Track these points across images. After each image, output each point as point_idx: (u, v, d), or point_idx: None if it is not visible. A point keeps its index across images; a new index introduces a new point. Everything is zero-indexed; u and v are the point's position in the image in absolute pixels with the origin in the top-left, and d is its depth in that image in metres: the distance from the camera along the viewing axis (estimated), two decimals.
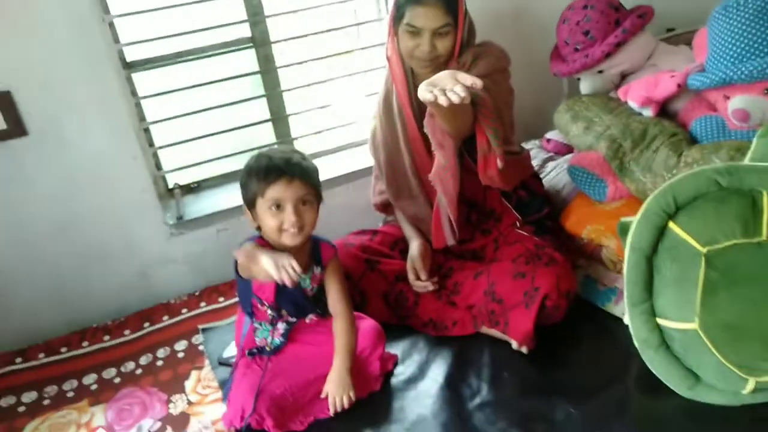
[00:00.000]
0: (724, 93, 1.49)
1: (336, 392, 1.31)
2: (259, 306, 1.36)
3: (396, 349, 1.49)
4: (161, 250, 1.85)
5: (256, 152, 1.34)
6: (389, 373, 1.42)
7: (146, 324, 1.76)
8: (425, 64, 1.45)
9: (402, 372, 1.43)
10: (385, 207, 1.74)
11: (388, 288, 1.56)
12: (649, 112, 1.65)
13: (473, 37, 1.52)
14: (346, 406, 1.31)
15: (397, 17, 1.44)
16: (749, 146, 1.33)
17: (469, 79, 1.09)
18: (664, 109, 1.68)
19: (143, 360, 1.62)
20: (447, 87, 1.09)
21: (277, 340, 1.38)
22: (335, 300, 1.40)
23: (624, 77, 1.87)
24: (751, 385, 1.16)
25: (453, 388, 1.36)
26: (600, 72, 1.84)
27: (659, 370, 1.25)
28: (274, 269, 1.19)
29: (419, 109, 1.53)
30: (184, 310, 1.80)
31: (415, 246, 1.58)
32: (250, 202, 1.31)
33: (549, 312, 1.37)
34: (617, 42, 1.73)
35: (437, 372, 1.41)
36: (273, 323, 1.37)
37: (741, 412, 1.19)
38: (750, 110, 1.43)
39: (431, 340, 1.51)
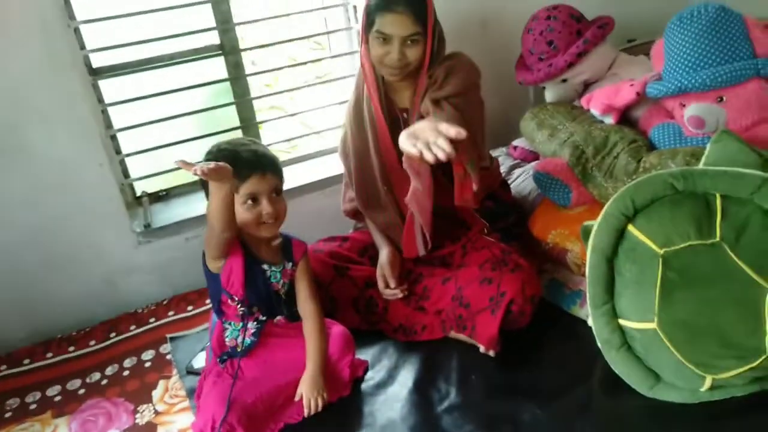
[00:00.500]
0: (681, 101, 1.55)
1: (310, 394, 1.31)
2: (229, 302, 1.35)
3: (366, 354, 1.50)
4: (128, 258, 1.83)
5: (214, 147, 1.31)
6: (359, 379, 1.43)
7: (113, 334, 1.73)
8: (395, 72, 1.46)
9: (372, 377, 1.44)
10: (355, 214, 1.75)
11: (358, 294, 1.57)
12: (610, 120, 1.70)
13: (443, 46, 1.53)
14: (320, 407, 1.32)
15: (368, 24, 1.44)
16: (703, 151, 1.38)
17: (452, 131, 1.09)
18: (625, 117, 1.73)
19: (109, 370, 1.59)
20: (430, 140, 1.09)
21: (248, 339, 1.37)
22: (305, 299, 1.40)
23: (587, 86, 1.92)
24: (708, 382, 1.20)
25: (422, 392, 1.37)
26: (564, 81, 1.89)
27: (621, 370, 1.29)
28: (192, 168, 1.09)
29: (390, 116, 1.55)
30: (151, 319, 1.78)
31: (384, 254, 1.59)
32: None
33: (515, 317, 1.40)
34: (579, 52, 1.78)
35: (406, 377, 1.42)
36: (243, 320, 1.36)
37: (699, 410, 1.23)
38: (705, 117, 1.49)
39: (401, 346, 1.52)
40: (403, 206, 1.59)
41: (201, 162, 1.13)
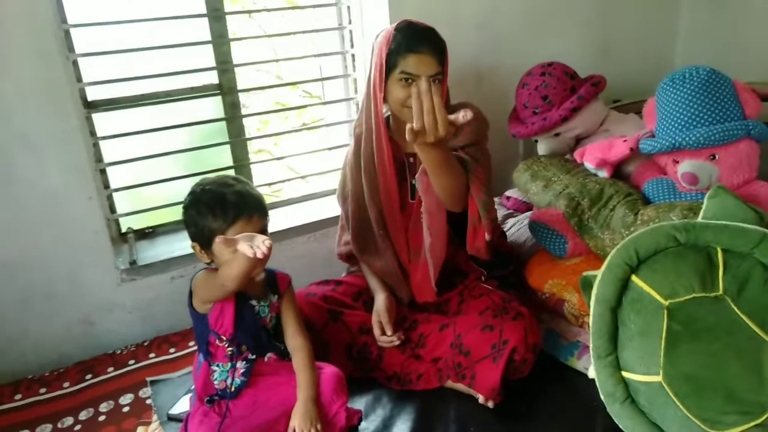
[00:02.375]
0: (673, 157, 1.59)
1: (303, 425, 1.25)
2: (217, 343, 1.30)
3: (359, 403, 1.44)
4: (110, 296, 1.76)
5: (197, 187, 1.28)
6: (354, 429, 1.37)
7: (88, 376, 1.64)
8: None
9: (366, 428, 1.38)
10: (348, 257, 1.72)
11: (352, 340, 1.52)
12: (604, 173, 1.73)
13: (448, 98, 1.55)
14: None
15: (388, 68, 1.43)
16: (700, 206, 1.40)
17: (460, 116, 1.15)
18: (617, 172, 1.77)
19: (83, 415, 1.50)
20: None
21: (238, 380, 1.31)
22: (293, 334, 1.36)
23: (578, 141, 1.97)
24: None
25: None
26: (557, 135, 1.93)
27: (625, 425, 1.25)
28: (247, 248, 1.12)
29: (396, 160, 1.53)
30: (131, 361, 1.69)
31: (380, 299, 1.56)
32: (205, 241, 1.25)
33: (517, 365, 1.37)
34: (573, 107, 1.83)
35: (402, 428, 1.37)
36: (232, 361, 1.31)
37: None
38: (698, 174, 1.53)
39: (395, 395, 1.47)
40: (400, 252, 1.57)
41: (244, 236, 1.15)
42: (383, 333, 1.48)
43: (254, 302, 1.32)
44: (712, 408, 1.17)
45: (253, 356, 1.33)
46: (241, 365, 1.32)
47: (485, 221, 1.36)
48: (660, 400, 1.20)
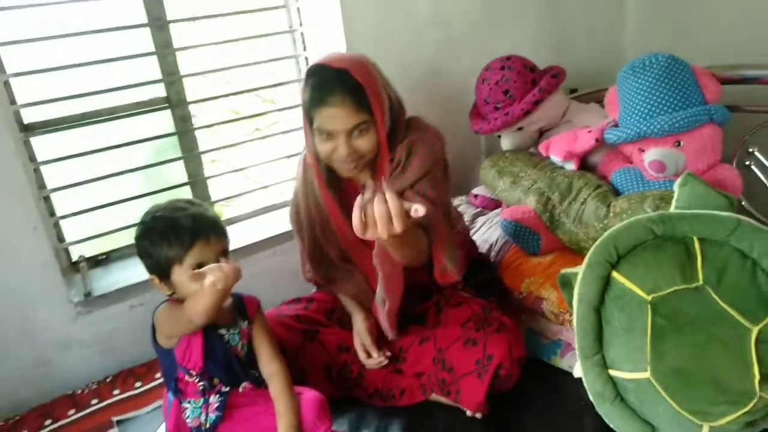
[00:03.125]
0: (639, 146, 1.58)
1: None
2: (186, 378, 1.22)
3: (342, 425, 1.38)
4: (65, 332, 1.64)
5: (147, 215, 1.21)
6: None
7: (48, 421, 1.52)
8: (348, 166, 1.33)
9: None
10: (317, 282, 1.64)
11: (330, 360, 1.45)
12: (571, 166, 1.72)
13: (402, 121, 1.40)
14: None
15: (308, 121, 1.32)
16: (671, 195, 1.40)
17: (411, 209, 1.02)
18: (584, 163, 1.76)
19: None
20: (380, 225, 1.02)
21: (213, 415, 1.23)
22: (267, 359, 1.29)
23: (542, 133, 1.95)
24: (705, 430, 1.17)
25: None
26: (520, 129, 1.91)
27: (616, 424, 1.24)
28: (215, 281, 1.04)
29: (340, 200, 1.43)
30: (93, 401, 1.58)
31: (359, 321, 1.48)
32: (162, 271, 1.18)
33: (502, 380, 1.33)
34: (535, 100, 1.81)
35: None
36: (205, 396, 1.23)
37: None
38: (665, 161, 1.53)
39: (379, 412, 1.42)
40: (368, 273, 1.49)
41: (211, 268, 1.06)
42: (369, 356, 1.42)
43: (223, 331, 1.24)
44: (702, 400, 1.16)
45: (227, 388, 1.25)
46: (214, 399, 1.24)
47: (453, 270, 1.33)
48: (650, 396, 1.19)
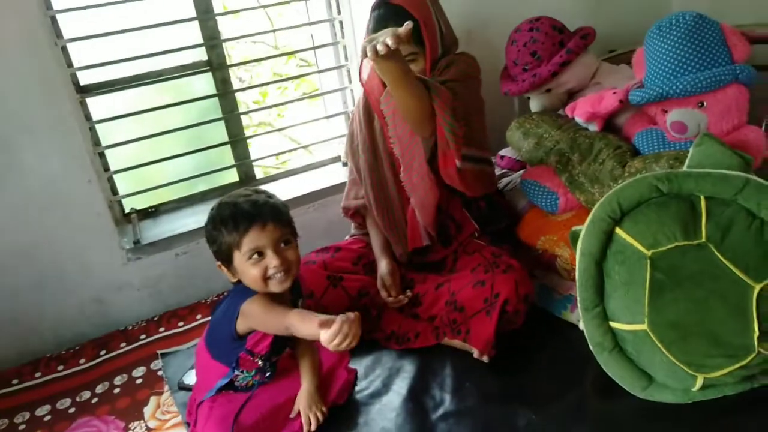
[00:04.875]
0: (662, 107, 1.57)
1: (308, 410, 1.29)
2: (250, 358, 1.28)
3: (359, 364, 1.49)
4: (118, 275, 1.82)
5: (216, 203, 1.25)
6: (353, 387, 1.42)
7: (103, 352, 1.72)
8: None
9: (366, 387, 1.43)
10: (354, 213, 1.74)
11: (351, 304, 1.56)
12: (594, 127, 1.72)
13: (452, 49, 1.59)
14: (320, 420, 1.29)
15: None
16: (686, 155, 1.41)
17: (402, 29, 1.17)
18: (609, 124, 1.76)
19: (99, 388, 1.57)
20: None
21: (264, 380, 1.34)
22: None
23: (571, 95, 1.95)
24: (699, 381, 1.21)
25: (416, 401, 1.37)
26: (548, 91, 1.92)
27: (614, 373, 1.29)
28: (335, 335, 1.06)
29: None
30: (142, 336, 1.76)
31: (383, 265, 1.60)
32: (226, 257, 1.22)
33: (510, 317, 1.41)
34: (562, 62, 1.81)
35: (401, 385, 1.42)
36: (262, 368, 1.32)
37: (692, 409, 1.24)
38: (686, 122, 1.52)
39: (394, 354, 1.52)
40: (407, 204, 1.60)
41: (341, 321, 1.06)
42: (390, 296, 1.53)
43: None
44: (697, 353, 1.20)
45: (276, 358, 1.34)
46: (267, 369, 1.32)
47: (453, 145, 1.39)
48: (646, 347, 1.23)
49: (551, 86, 1.90)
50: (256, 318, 1.20)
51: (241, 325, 1.22)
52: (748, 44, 1.52)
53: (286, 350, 1.37)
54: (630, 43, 2.22)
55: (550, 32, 1.85)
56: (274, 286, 1.21)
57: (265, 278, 1.19)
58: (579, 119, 1.76)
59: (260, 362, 1.29)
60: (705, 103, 1.50)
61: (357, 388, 1.43)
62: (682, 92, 1.49)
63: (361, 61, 1.52)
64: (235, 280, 1.25)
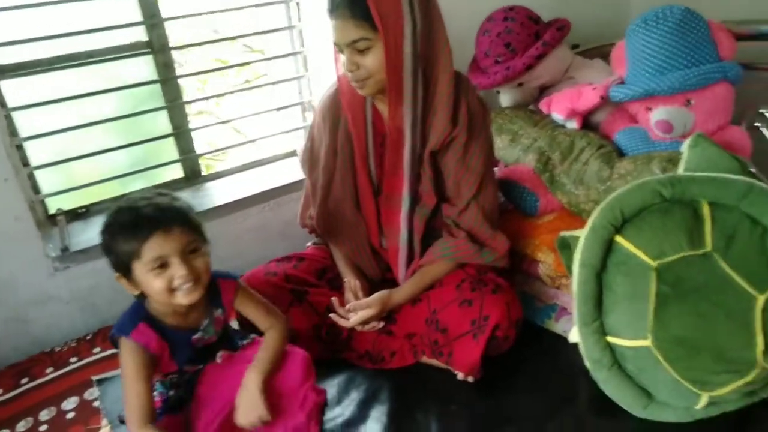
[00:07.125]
0: (646, 105, 1.51)
1: (246, 419, 1.13)
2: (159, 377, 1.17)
3: (331, 386, 1.34)
4: (42, 288, 1.58)
5: (114, 207, 1.09)
6: (322, 413, 1.26)
7: (24, 380, 1.47)
8: (356, 85, 1.26)
9: (340, 414, 1.28)
10: (313, 230, 1.56)
11: (320, 321, 1.40)
12: (573, 124, 1.65)
13: (434, 56, 1.27)
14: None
15: None
16: (679, 157, 1.34)
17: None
18: (586, 122, 1.68)
19: (21, 426, 1.34)
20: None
21: (180, 392, 1.19)
22: (262, 320, 1.24)
23: (542, 90, 1.87)
24: (704, 399, 1.14)
25: (399, 428, 1.23)
26: (520, 85, 1.82)
27: (612, 391, 1.21)
28: None
29: (375, 131, 1.36)
30: (72, 359, 1.53)
31: (351, 282, 1.42)
32: (124, 268, 1.07)
33: (498, 343, 1.29)
34: (538, 54, 1.72)
35: (380, 410, 1.28)
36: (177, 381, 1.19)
37: (694, 428, 1.17)
38: (673, 121, 1.46)
39: (369, 374, 1.38)
40: (371, 232, 1.46)
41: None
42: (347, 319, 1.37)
43: (199, 334, 1.16)
44: (702, 369, 1.13)
45: (201, 366, 1.20)
46: (181, 381, 1.19)
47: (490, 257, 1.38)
48: (649, 364, 1.15)
49: (524, 80, 1.80)
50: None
51: None
52: (734, 41, 1.47)
53: (218, 355, 1.21)
54: (593, 39, 2.17)
55: (525, 22, 1.75)
56: (182, 298, 1.08)
57: (171, 290, 1.07)
58: (557, 116, 1.68)
59: (172, 378, 1.18)
60: (693, 101, 1.44)
61: (328, 416, 1.27)
62: (669, 89, 1.43)
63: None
64: (137, 292, 1.12)
